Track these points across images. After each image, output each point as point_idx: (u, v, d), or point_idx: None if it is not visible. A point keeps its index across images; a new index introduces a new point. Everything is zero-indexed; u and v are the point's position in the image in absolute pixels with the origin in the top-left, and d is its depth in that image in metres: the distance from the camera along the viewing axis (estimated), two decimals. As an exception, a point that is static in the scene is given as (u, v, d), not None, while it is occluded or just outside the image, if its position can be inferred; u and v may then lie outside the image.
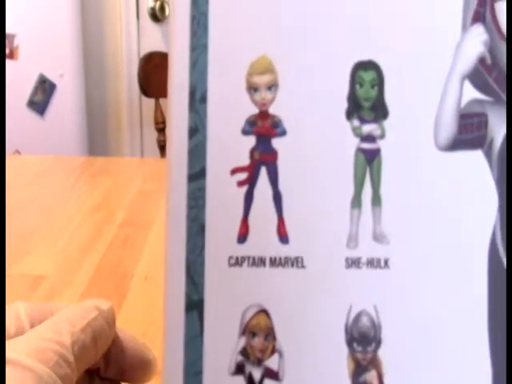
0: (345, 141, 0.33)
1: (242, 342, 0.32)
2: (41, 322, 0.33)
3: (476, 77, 0.33)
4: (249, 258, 0.33)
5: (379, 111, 0.33)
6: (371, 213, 0.33)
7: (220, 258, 0.32)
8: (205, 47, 0.32)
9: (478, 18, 0.33)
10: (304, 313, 0.32)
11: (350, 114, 0.33)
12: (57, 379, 0.30)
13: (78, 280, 0.76)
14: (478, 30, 0.33)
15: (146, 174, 1.34)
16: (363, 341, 0.33)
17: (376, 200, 0.33)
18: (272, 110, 0.33)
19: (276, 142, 0.33)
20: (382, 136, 0.33)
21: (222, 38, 0.33)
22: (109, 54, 2.86)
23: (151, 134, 2.78)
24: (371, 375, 0.32)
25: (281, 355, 0.32)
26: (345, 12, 0.33)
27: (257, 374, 0.32)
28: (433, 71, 0.33)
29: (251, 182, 0.33)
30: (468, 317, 0.33)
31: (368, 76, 0.33)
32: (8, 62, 2.50)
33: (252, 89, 0.33)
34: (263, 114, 0.33)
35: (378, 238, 0.33)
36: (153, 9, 2.82)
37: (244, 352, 0.32)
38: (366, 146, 0.33)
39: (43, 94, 2.56)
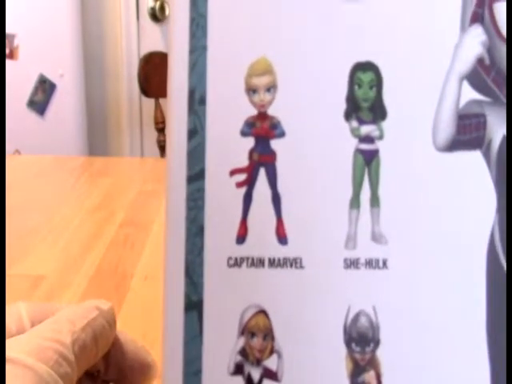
0: (343, 142, 0.33)
1: (241, 342, 0.32)
2: (42, 322, 0.33)
3: (474, 77, 0.33)
4: (248, 258, 0.33)
5: (378, 112, 0.33)
6: (370, 213, 0.33)
7: (219, 259, 0.32)
8: (204, 49, 0.33)
9: (477, 18, 0.33)
10: (302, 313, 0.32)
11: (348, 115, 0.33)
12: (57, 378, 0.30)
13: (77, 280, 0.76)
14: (476, 30, 0.33)
15: (146, 174, 1.34)
16: (362, 341, 0.33)
17: (374, 201, 0.33)
18: (271, 111, 0.33)
19: (275, 143, 0.33)
20: (381, 137, 0.33)
21: (221, 39, 0.33)
22: (109, 54, 2.87)
23: (151, 134, 2.78)
24: (370, 375, 0.32)
25: (279, 355, 0.32)
26: (343, 13, 0.33)
27: (256, 374, 0.32)
28: (431, 72, 0.33)
29: (250, 183, 0.33)
30: (466, 317, 0.33)
31: (366, 77, 0.33)
32: (8, 62, 2.50)
33: (251, 90, 0.33)
34: (262, 116, 0.33)
35: (377, 238, 0.33)
36: (153, 9, 2.82)
37: (243, 352, 0.32)
38: (365, 146, 0.33)
39: (43, 94, 2.56)
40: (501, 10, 0.33)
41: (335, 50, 0.33)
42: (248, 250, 0.33)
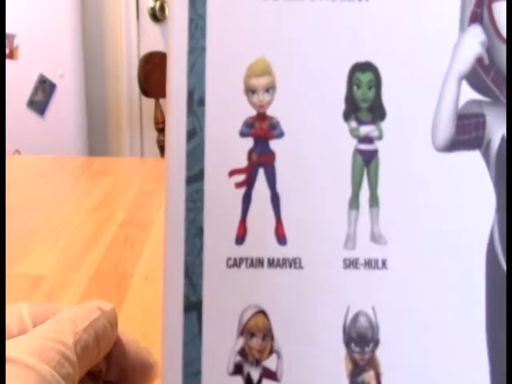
0: (342, 142, 0.33)
1: (241, 342, 0.32)
2: (43, 323, 0.33)
3: (473, 77, 0.33)
4: (247, 259, 0.33)
5: (377, 112, 0.33)
6: (369, 214, 0.33)
7: (218, 260, 0.33)
8: (203, 50, 0.33)
9: (476, 18, 0.33)
10: (302, 313, 0.33)
11: (347, 116, 0.33)
12: (59, 378, 0.30)
13: (77, 280, 0.76)
14: (475, 30, 0.33)
15: (146, 174, 1.34)
16: (361, 341, 0.33)
17: (374, 201, 0.33)
18: (270, 111, 0.33)
19: (274, 144, 0.33)
20: (380, 137, 0.33)
21: (220, 40, 0.33)
22: (109, 54, 2.86)
23: (151, 134, 2.78)
24: (369, 375, 0.33)
25: (279, 356, 0.33)
26: (342, 13, 0.33)
27: (255, 374, 0.32)
28: (430, 72, 0.33)
29: (249, 183, 0.33)
30: (466, 317, 0.33)
31: (365, 77, 0.33)
32: (8, 62, 2.50)
33: (250, 91, 0.33)
34: (261, 116, 0.33)
35: (376, 238, 0.33)
36: (153, 9, 2.82)
37: (242, 352, 0.32)
38: (364, 147, 0.33)
39: (43, 94, 2.56)
40: (500, 9, 0.33)
41: (334, 50, 0.33)
42: (247, 250, 0.33)
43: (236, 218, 0.33)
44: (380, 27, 0.33)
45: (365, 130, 0.33)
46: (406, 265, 0.33)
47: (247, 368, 0.32)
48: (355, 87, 0.33)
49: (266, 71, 0.33)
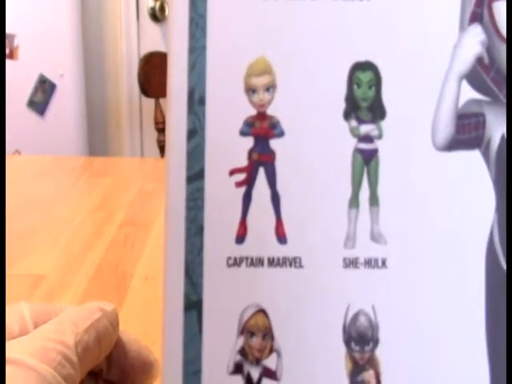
0: (342, 141, 0.33)
1: (241, 341, 0.32)
2: (45, 323, 0.33)
3: (474, 77, 0.33)
4: (247, 258, 0.33)
5: (377, 112, 0.33)
6: (369, 213, 0.33)
7: (218, 259, 0.33)
8: (203, 49, 0.33)
9: (476, 18, 0.33)
10: (302, 312, 0.33)
11: (347, 115, 0.33)
12: (60, 379, 0.30)
13: (78, 280, 0.76)
14: (475, 30, 0.33)
15: (146, 174, 1.34)
16: (361, 340, 0.33)
17: (374, 200, 0.33)
18: (270, 111, 0.33)
19: (274, 143, 0.33)
20: (380, 136, 0.33)
21: (221, 39, 0.33)
22: (109, 54, 2.87)
23: (151, 134, 2.78)
24: (369, 374, 0.33)
25: (279, 355, 0.33)
26: (342, 13, 0.33)
27: (255, 373, 0.32)
28: (430, 71, 0.33)
29: (249, 182, 0.33)
30: (465, 316, 0.33)
31: (365, 77, 0.33)
32: (8, 62, 2.50)
33: (250, 90, 0.33)
34: (261, 115, 0.33)
35: (376, 237, 0.33)
36: (153, 9, 2.83)
37: (242, 351, 0.33)
38: (364, 146, 0.33)
39: (43, 94, 2.56)
40: (500, 9, 0.33)
41: (334, 49, 0.33)
42: (247, 249, 0.33)
43: (236, 217, 0.33)
44: (380, 26, 0.33)
45: (365, 129, 0.33)
46: (406, 264, 0.33)
47: (247, 367, 0.32)
48: (355, 86, 0.33)
49: (267, 70, 0.33)
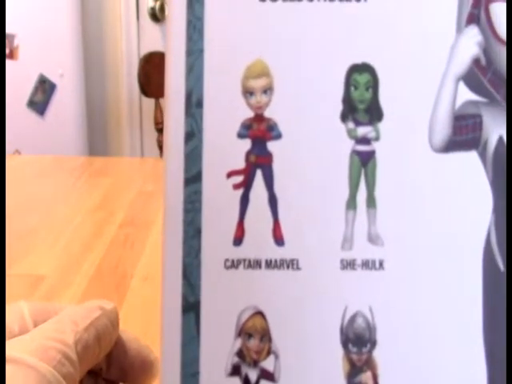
0: (340, 143, 0.33)
1: (238, 343, 0.33)
2: (44, 322, 0.33)
3: (471, 78, 0.33)
4: (245, 260, 0.33)
5: (374, 113, 0.33)
6: (366, 214, 0.33)
7: (216, 261, 0.33)
8: (201, 52, 0.33)
9: (473, 19, 0.33)
10: (299, 314, 0.33)
11: (344, 117, 0.33)
12: (60, 378, 0.30)
13: (77, 280, 0.76)
14: (472, 31, 0.33)
15: (146, 174, 1.34)
16: (358, 342, 0.33)
17: (371, 202, 0.33)
18: (267, 113, 0.33)
19: (271, 145, 0.33)
20: (377, 138, 0.33)
21: (218, 42, 0.33)
22: (109, 54, 2.87)
23: (151, 134, 2.78)
24: (366, 376, 0.33)
25: (276, 356, 0.33)
26: (339, 15, 0.33)
27: (253, 375, 0.32)
28: (427, 73, 0.33)
29: (247, 184, 0.33)
30: (462, 317, 0.33)
31: (363, 78, 0.33)
32: (8, 62, 2.50)
33: (248, 93, 0.33)
34: (258, 118, 0.33)
35: (373, 239, 0.33)
36: (153, 9, 2.83)
37: (240, 353, 0.33)
38: (361, 148, 0.33)
39: (43, 94, 2.56)
40: (497, 10, 0.33)
41: (331, 51, 0.33)
42: (245, 251, 0.33)
43: (234, 220, 0.33)
44: (377, 28, 0.33)
45: (362, 130, 0.33)
46: (403, 265, 0.33)
47: (245, 369, 0.33)
48: (352, 88, 0.33)
49: (264, 73, 0.33)
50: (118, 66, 2.87)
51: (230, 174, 0.33)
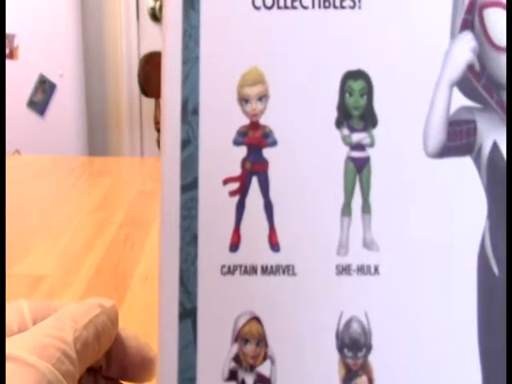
0: (335, 150, 0.33)
1: (235, 348, 0.33)
2: (44, 320, 0.33)
3: (465, 84, 0.33)
4: (241, 266, 0.33)
5: (368, 120, 0.33)
6: (361, 220, 0.33)
7: (212, 267, 0.33)
8: (197, 60, 0.33)
9: (467, 25, 0.33)
10: (295, 319, 0.33)
11: (339, 123, 0.33)
12: (59, 375, 0.30)
13: (78, 280, 0.76)
14: (466, 37, 0.33)
15: (146, 174, 1.34)
16: (354, 346, 0.33)
17: (366, 207, 0.33)
18: (263, 120, 0.33)
19: (267, 152, 0.33)
20: (372, 144, 0.33)
21: (214, 50, 0.33)
22: (109, 54, 2.86)
23: (151, 134, 2.78)
24: (362, 380, 0.33)
25: (273, 361, 0.33)
26: (334, 22, 0.33)
27: (249, 380, 0.33)
28: (422, 79, 0.33)
29: (243, 191, 0.33)
30: (458, 322, 0.33)
31: (357, 85, 0.33)
32: (8, 62, 2.50)
33: (243, 100, 0.33)
34: (254, 125, 0.33)
35: (368, 244, 0.33)
36: (153, 9, 2.82)
37: (237, 358, 0.33)
38: (356, 154, 0.33)
39: (43, 94, 2.56)
40: (491, 16, 0.33)
41: (326, 58, 0.33)
42: (241, 257, 0.33)
43: (230, 226, 0.33)
44: (372, 35, 0.33)
45: (357, 137, 0.33)
46: (399, 270, 0.33)
47: (241, 374, 0.33)
48: (347, 95, 0.33)
49: (259, 80, 0.33)
50: (118, 66, 2.87)
51: (225, 181, 0.33)
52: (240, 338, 0.33)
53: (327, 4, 0.33)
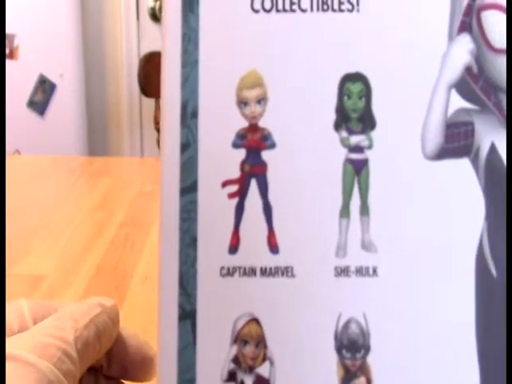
0: (333, 152, 0.33)
1: (234, 350, 0.33)
2: (44, 319, 0.33)
3: (463, 86, 0.33)
4: (240, 268, 0.33)
5: (367, 122, 0.33)
6: (360, 222, 0.33)
7: (212, 269, 0.33)
8: (196, 63, 0.33)
9: (465, 27, 0.33)
10: (294, 321, 0.33)
11: (338, 126, 0.33)
12: (59, 375, 0.30)
13: (78, 280, 0.77)
14: (464, 39, 0.33)
15: (145, 174, 1.34)
16: (352, 348, 0.33)
17: (364, 209, 0.33)
18: (261, 123, 0.33)
19: (266, 155, 0.33)
20: (370, 146, 0.33)
21: (213, 53, 0.33)
22: (109, 54, 2.86)
23: (151, 134, 2.78)
24: (360, 381, 0.33)
25: (272, 363, 0.33)
26: (333, 25, 0.33)
27: (248, 381, 0.33)
28: (420, 81, 0.33)
29: (242, 193, 0.33)
30: (456, 323, 0.33)
31: (356, 88, 0.33)
32: (8, 62, 2.50)
33: (242, 103, 0.33)
34: (253, 128, 0.33)
35: (367, 246, 0.33)
36: (153, 9, 2.82)
37: (236, 360, 0.33)
38: (354, 156, 0.33)
39: (43, 94, 2.56)
40: (488, 18, 0.33)
41: (324, 61, 0.33)
42: (240, 259, 0.33)
43: (229, 228, 0.33)
44: (370, 38, 0.33)
45: (355, 139, 0.33)
46: (397, 272, 0.33)
47: (241, 375, 0.33)
48: (346, 97, 0.33)
49: (258, 83, 0.33)
50: (118, 66, 2.87)
51: (225, 184, 0.33)
52: (239, 339, 0.33)
53: (325, 7, 0.33)
